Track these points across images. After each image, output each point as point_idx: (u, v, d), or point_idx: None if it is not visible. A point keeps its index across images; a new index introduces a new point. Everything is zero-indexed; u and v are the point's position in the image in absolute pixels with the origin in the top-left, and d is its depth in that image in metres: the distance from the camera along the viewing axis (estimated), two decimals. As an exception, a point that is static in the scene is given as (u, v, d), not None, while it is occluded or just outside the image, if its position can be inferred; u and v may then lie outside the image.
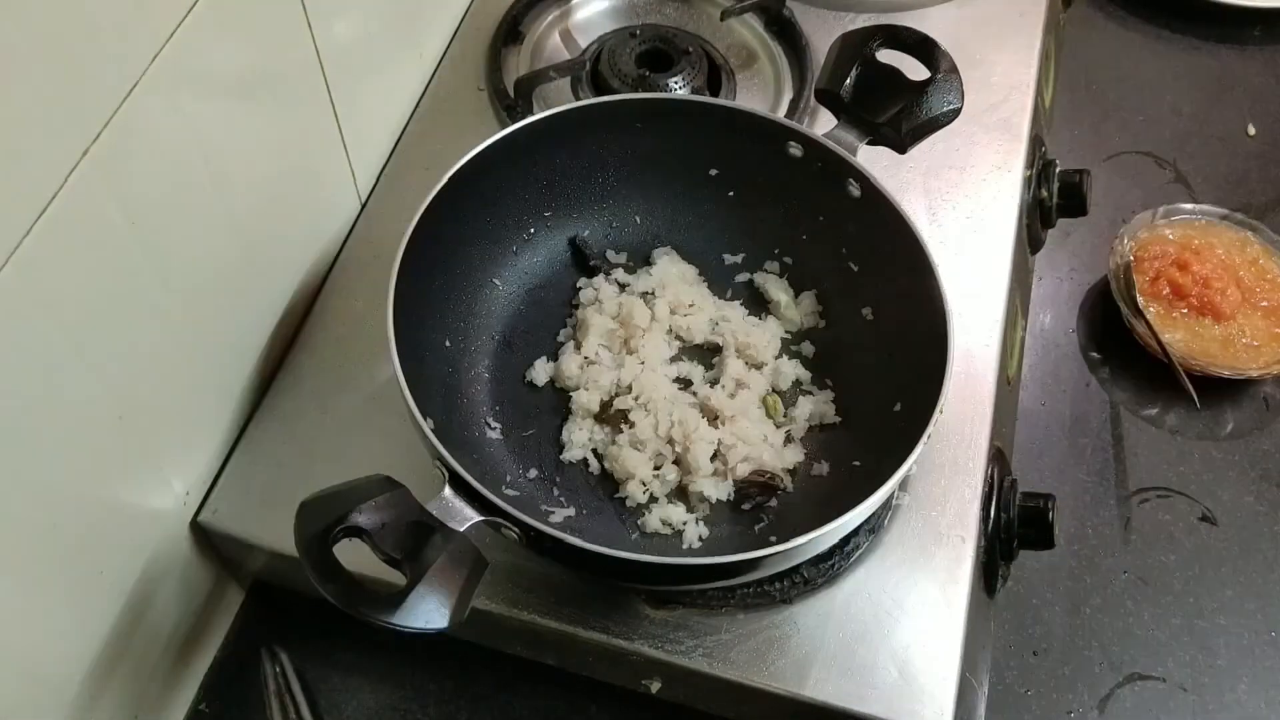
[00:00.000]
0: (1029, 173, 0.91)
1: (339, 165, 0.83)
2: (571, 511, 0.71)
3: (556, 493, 0.73)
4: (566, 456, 0.74)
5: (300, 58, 0.73)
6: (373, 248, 0.84)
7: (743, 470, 0.72)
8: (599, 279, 0.81)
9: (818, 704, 0.65)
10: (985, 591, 0.75)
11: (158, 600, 0.70)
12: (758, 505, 0.72)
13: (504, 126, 0.74)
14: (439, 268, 0.74)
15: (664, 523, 0.71)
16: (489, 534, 0.61)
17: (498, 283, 0.80)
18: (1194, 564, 0.86)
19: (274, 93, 0.71)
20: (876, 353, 0.76)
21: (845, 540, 0.69)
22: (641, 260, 0.83)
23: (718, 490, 0.72)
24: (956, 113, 0.75)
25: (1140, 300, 0.95)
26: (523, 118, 0.75)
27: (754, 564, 0.61)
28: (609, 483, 0.73)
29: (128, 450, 0.64)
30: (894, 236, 0.71)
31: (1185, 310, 0.96)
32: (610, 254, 0.82)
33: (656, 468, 0.73)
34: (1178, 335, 0.95)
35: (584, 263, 0.82)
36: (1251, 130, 1.13)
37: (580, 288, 0.81)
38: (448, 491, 0.59)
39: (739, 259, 0.83)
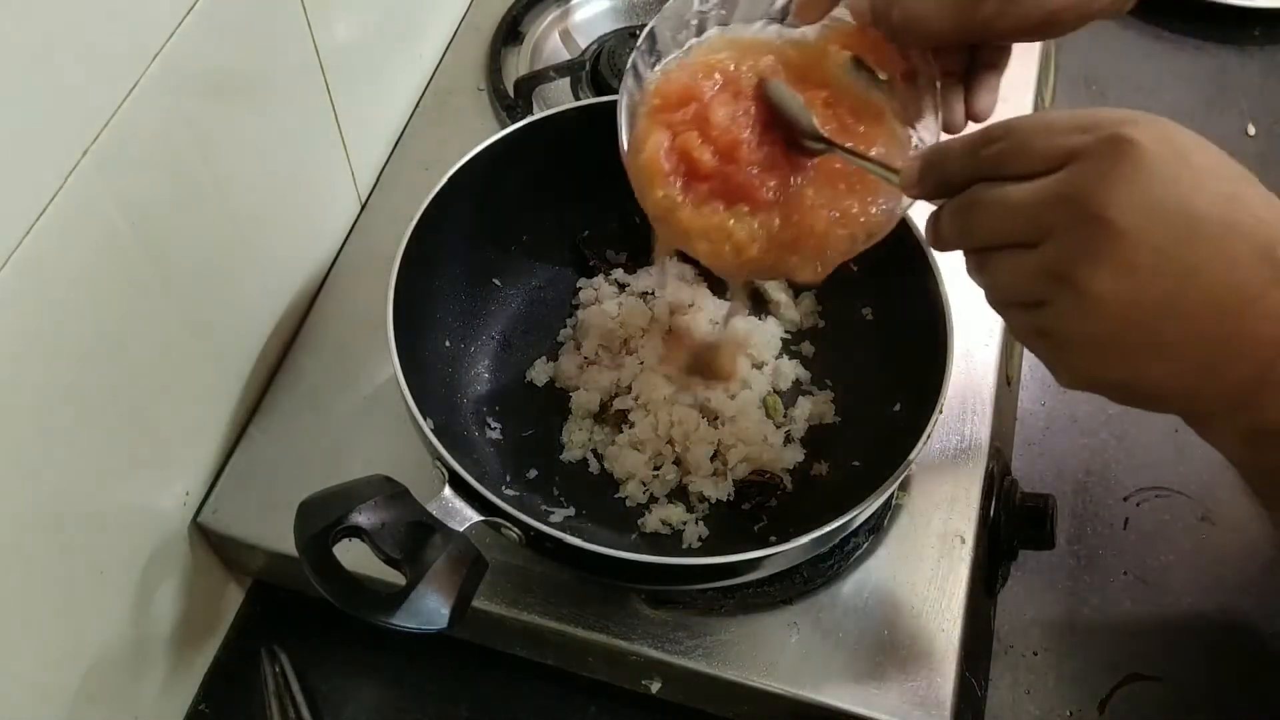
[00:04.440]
0: (1029, 173, 0.91)
1: (339, 165, 0.83)
2: (571, 511, 0.71)
3: (556, 493, 0.73)
4: (566, 457, 0.74)
5: (300, 58, 0.73)
6: (373, 248, 0.84)
7: (742, 470, 0.72)
8: (599, 279, 0.81)
9: (818, 704, 0.65)
10: (985, 591, 0.75)
11: (158, 600, 0.70)
12: (758, 505, 0.72)
13: (504, 126, 0.74)
14: (439, 268, 0.74)
15: (664, 523, 0.71)
16: (489, 534, 0.61)
17: (498, 283, 0.80)
18: (1194, 564, 0.86)
19: (274, 93, 0.71)
20: (876, 353, 0.76)
21: (845, 540, 0.69)
22: (641, 260, 0.83)
23: (717, 490, 0.72)
24: (956, 113, 0.75)
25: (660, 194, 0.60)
26: (523, 118, 0.75)
27: (754, 564, 0.61)
28: (609, 483, 0.73)
29: (128, 450, 0.64)
30: (894, 237, 0.70)
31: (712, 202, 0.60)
32: (610, 254, 0.82)
33: (656, 468, 0.73)
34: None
35: (584, 263, 0.82)
36: (1251, 130, 1.13)
37: (580, 288, 0.81)
38: (448, 491, 0.59)
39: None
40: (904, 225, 0.70)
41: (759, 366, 0.78)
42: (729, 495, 0.72)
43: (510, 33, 0.97)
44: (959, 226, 0.47)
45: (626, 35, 0.95)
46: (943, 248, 0.50)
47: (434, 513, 0.57)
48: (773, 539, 0.67)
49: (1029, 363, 0.95)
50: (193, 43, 0.59)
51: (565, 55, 0.97)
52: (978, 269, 0.48)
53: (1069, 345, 0.44)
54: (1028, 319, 0.46)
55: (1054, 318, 0.44)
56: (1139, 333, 0.42)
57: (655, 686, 0.70)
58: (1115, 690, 0.80)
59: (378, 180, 0.89)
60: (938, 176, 0.48)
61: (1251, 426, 0.44)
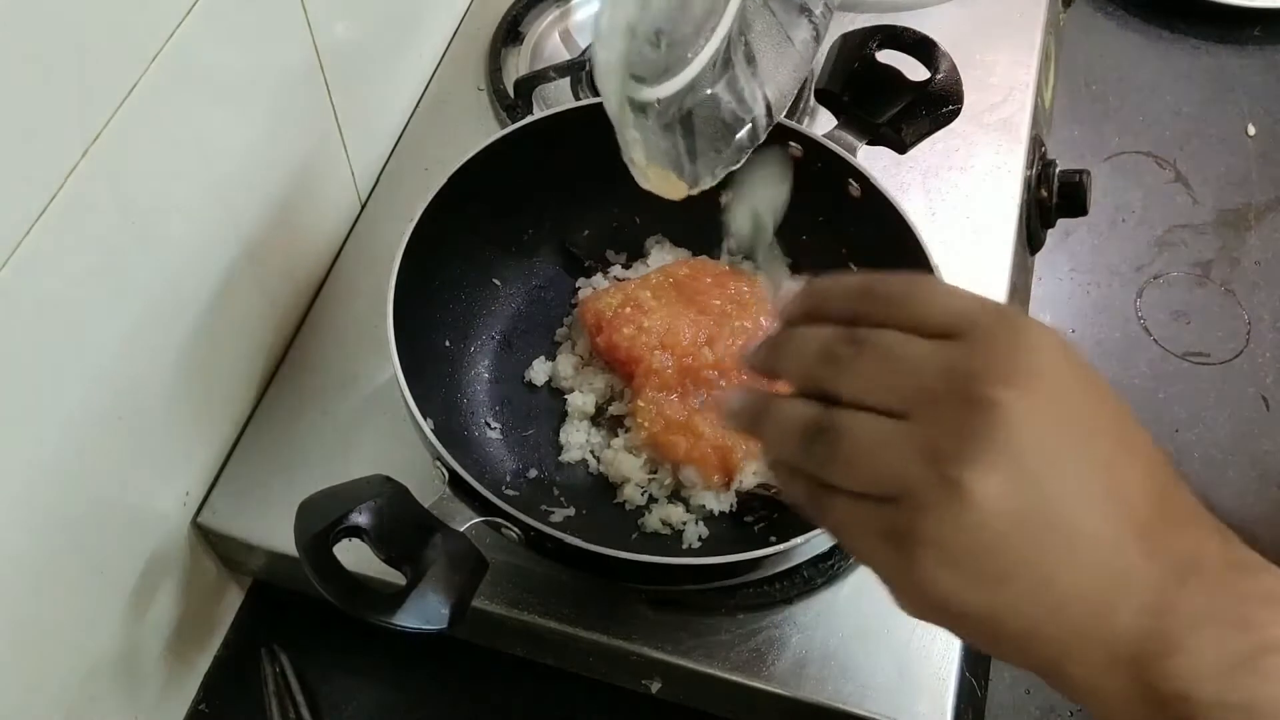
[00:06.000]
0: (1029, 173, 0.91)
1: (339, 165, 0.83)
2: (571, 511, 0.71)
3: (556, 493, 0.73)
4: (565, 457, 0.74)
5: (300, 58, 0.73)
6: (373, 248, 0.84)
7: (750, 482, 0.71)
8: (597, 277, 0.81)
9: (817, 704, 0.65)
10: (985, 591, 0.75)
11: (158, 600, 0.70)
12: (760, 519, 0.71)
13: (504, 126, 0.74)
14: (439, 268, 0.74)
15: (664, 523, 0.71)
16: (489, 534, 0.61)
17: (498, 283, 0.79)
18: (1194, 564, 0.86)
19: (274, 93, 0.71)
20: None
21: (845, 540, 0.69)
22: (638, 256, 0.82)
23: (719, 503, 0.71)
24: (956, 113, 0.75)
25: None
26: (523, 118, 0.75)
27: (754, 564, 0.61)
28: (609, 483, 0.73)
29: (128, 450, 0.64)
30: (894, 236, 0.71)
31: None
32: (610, 253, 0.82)
33: (652, 471, 0.73)
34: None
35: (578, 264, 0.82)
36: (1251, 130, 1.13)
37: (579, 287, 0.81)
38: (448, 491, 0.59)
39: (739, 259, 0.82)
40: (903, 225, 0.70)
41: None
42: (731, 507, 0.71)
43: (510, 33, 0.97)
44: (826, 358, 0.39)
45: (626, 35, 0.94)
46: (777, 375, 0.42)
47: (434, 513, 0.57)
48: (773, 539, 0.67)
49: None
50: (193, 43, 0.59)
51: (565, 55, 0.97)
52: (817, 436, 0.38)
53: (925, 555, 0.35)
54: (877, 515, 0.36)
55: (915, 516, 0.35)
56: (1017, 551, 0.34)
57: (655, 686, 0.70)
58: (1115, 690, 0.80)
59: (378, 180, 0.89)
60: (820, 298, 0.42)
61: (1141, 689, 0.35)
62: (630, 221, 0.83)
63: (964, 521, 0.34)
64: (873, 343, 0.38)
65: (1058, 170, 0.93)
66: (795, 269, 0.81)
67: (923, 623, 0.66)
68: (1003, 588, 0.35)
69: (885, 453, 0.36)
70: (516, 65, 0.95)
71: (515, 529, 0.59)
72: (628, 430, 0.73)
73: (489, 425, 0.75)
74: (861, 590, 0.69)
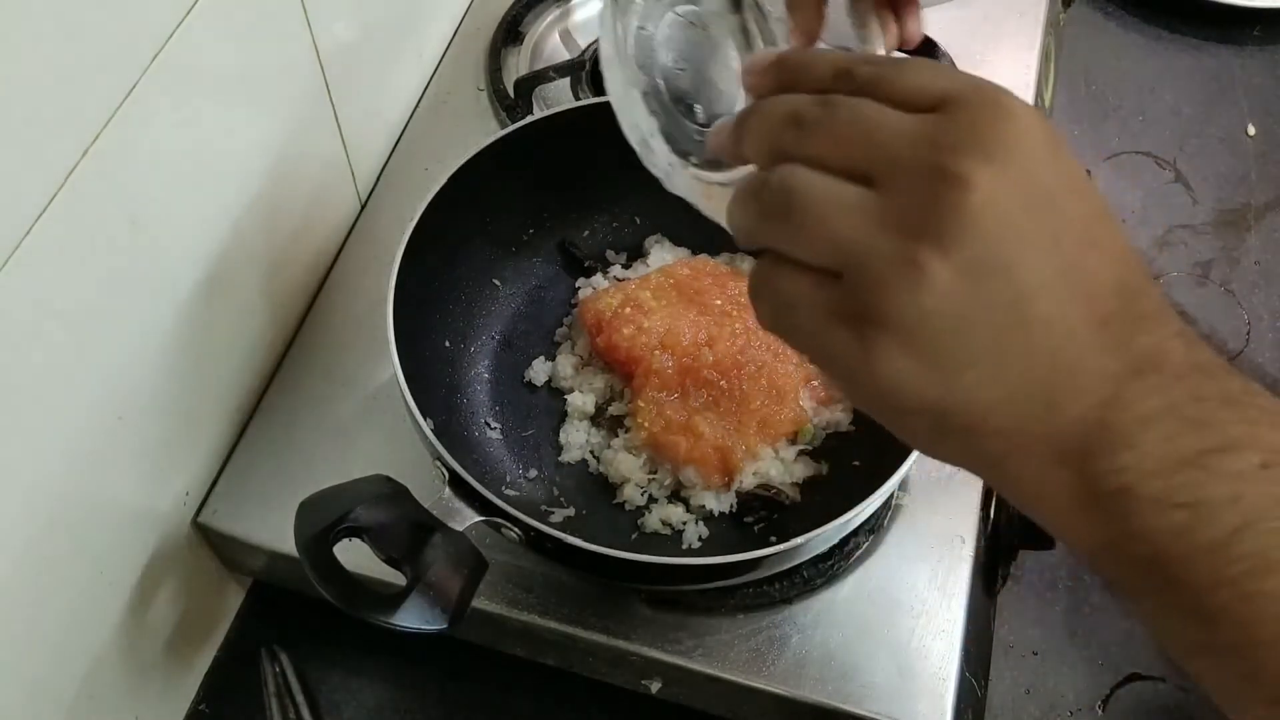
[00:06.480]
0: (1029, 173, 0.90)
1: (339, 165, 0.83)
2: (571, 511, 0.71)
3: (556, 493, 0.73)
4: (565, 457, 0.74)
5: (300, 58, 0.73)
6: (373, 248, 0.84)
7: (751, 483, 0.71)
8: (597, 277, 0.81)
9: (817, 704, 0.65)
10: (985, 591, 0.75)
11: (158, 600, 0.70)
12: (760, 519, 0.71)
13: (504, 126, 0.74)
14: (439, 268, 0.74)
15: (664, 523, 0.71)
16: (489, 534, 0.61)
17: (498, 283, 0.80)
18: (1194, 564, 0.86)
19: (274, 93, 0.71)
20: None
21: (845, 540, 0.69)
22: (638, 256, 0.82)
23: (719, 503, 0.71)
24: (956, 113, 0.75)
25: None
26: (523, 118, 0.75)
27: (754, 564, 0.61)
28: (609, 483, 0.73)
29: (128, 450, 0.64)
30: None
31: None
32: (610, 253, 0.82)
33: (652, 471, 0.73)
34: None
35: (578, 265, 0.82)
36: (1251, 130, 1.13)
37: (579, 287, 0.81)
38: (448, 492, 0.59)
39: (739, 258, 0.83)
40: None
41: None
42: (731, 507, 0.71)
43: (510, 33, 0.97)
44: (792, 121, 0.36)
45: (626, 35, 0.94)
46: (742, 155, 0.39)
47: (434, 513, 0.57)
48: (773, 539, 0.67)
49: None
50: (193, 43, 0.59)
51: (565, 55, 0.97)
52: (784, 207, 0.35)
53: (880, 337, 0.33)
54: (828, 292, 0.34)
55: (871, 295, 0.33)
56: (975, 337, 0.33)
57: (655, 686, 0.70)
58: (1115, 690, 0.80)
59: (378, 180, 0.89)
60: (793, 73, 0.39)
61: (1085, 486, 0.34)
62: (630, 221, 0.83)
63: (924, 303, 0.32)
64: (844, 104, 0.35)
65: (1058, 170, 0.93)
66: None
67: (923, 623, 0.67)
68: (956, 377, 0.33)
69: (843, 217, 0.34)
70: (516, 65, 0.95)
71: (515, 529, 0.59)
72: (628, 430, 0.73)
73: (489, 425, 0.75)
74: (861, 590, 0.69)
